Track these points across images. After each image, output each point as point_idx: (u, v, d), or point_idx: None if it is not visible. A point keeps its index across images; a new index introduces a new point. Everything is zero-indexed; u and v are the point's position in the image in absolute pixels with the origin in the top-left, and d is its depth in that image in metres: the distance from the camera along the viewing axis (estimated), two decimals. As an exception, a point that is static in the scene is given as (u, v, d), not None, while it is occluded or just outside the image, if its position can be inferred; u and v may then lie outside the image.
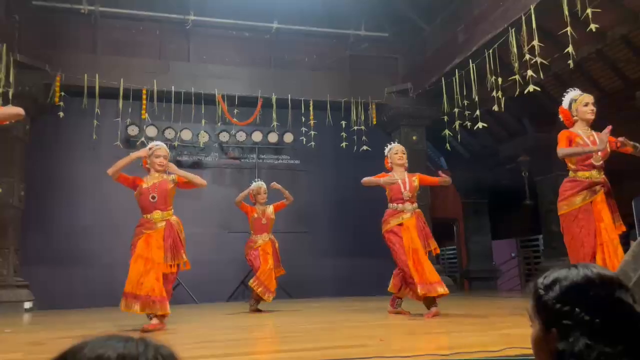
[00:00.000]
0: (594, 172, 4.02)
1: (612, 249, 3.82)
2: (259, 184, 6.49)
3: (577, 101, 4.19)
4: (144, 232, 4.29)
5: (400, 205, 4.99)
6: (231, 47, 9.54)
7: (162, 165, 4.49)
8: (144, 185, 4.39)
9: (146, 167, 4.57)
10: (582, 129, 4.11)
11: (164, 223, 4.34)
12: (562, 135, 4.07)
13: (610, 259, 3.75)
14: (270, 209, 6.39)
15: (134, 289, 4.08)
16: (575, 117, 4.17)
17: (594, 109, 4.14)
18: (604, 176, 4.05)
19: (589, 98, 4.19)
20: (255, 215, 6.30)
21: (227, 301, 8.49)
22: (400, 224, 4.92)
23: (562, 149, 4.00)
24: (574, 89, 4.36)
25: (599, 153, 3.99)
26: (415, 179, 5.12)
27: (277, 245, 6.33)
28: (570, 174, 4.12)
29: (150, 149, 4.48)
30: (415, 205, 5.07)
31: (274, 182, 6.53)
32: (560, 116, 4.32)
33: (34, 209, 7.92)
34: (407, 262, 4.74)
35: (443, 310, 4.73)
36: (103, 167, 4.76)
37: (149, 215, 4.35)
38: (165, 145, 4.65)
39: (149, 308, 4.05)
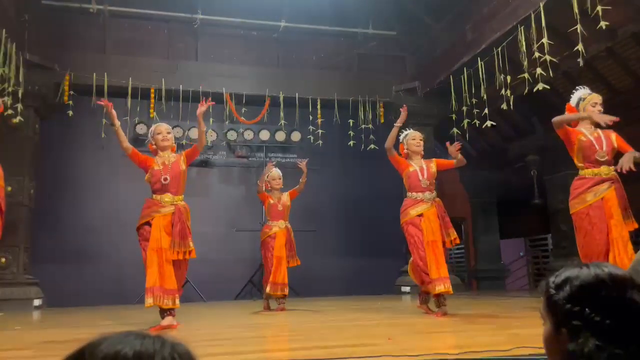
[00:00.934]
0: (603, 169, 4.02)
1: (622, 245, 3.81)
2: (273, 172, 6.36)
3: (585, 100, 4.18)
4: (152, 215, 4.12)
5: (420, 194, 4.81)
6: (239, 46, 9.56)
7: (167, 139, 4.32)
8: (156, 167, 4.21)
9: (152, 149, 4.43)
10: (586, 127, 4.12)
11: (172, 208, 4.17)
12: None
13: (620, 255, 3.75)
14: (285, 196, 6.29)
15: (158, 282, 3.98)
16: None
17: (602, 109, 4.13)
18: (614, 172, 4.03)
19: (597, 98, 4.19)
20: (271, 201, 6.19)
21: (234, 299, 8.51)
22: (420, 215, 4.74)
23: (556, 117, 4.06)
24: (583, 87, 4.34)
25: (604, 149, 4.01)
26: (433, 165, 4.96)
27: (292, 234, 6.21)
28: (580, 172, 4.12)
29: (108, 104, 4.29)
30: (435, 193, 4.90)
31: (304, 162, 6.40)
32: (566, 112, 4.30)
33: (43, 208, 7.97)
34: (425, 257, 4.60)
35: (451, 309, 4.71)
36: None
37: (158, 197, 4.19)
38: (164, 124, 4.51)
39: (170, 301, 4.01)
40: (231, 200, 9.28)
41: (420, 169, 4.90)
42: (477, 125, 7.47)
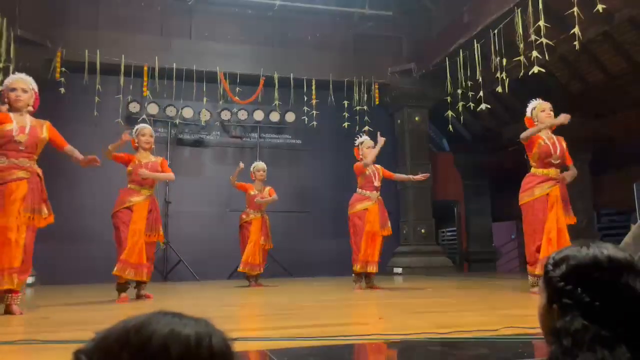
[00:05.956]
0: (552, 170, 4.67)
1: (557, 233, 4.43)
2: (257, 163, 7.03)
3: (536, 108, 4.82)
4: (132, 201, 4.74)
5: (369, 192, 5.71)
6: (233, 24, 9.45)
7: (149, 142, 4.97)
8: (135, 164, 4.85)
9: (135, 147, 5.01)
10: (544, 133, 4.74)
11: (147, 197, 4.83)
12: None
13: (552, 242, 4.35)
14: (266, 191, 6.83)
15: (130, 258, 4.62)
16: (536, 123, 4.78)
17: (551, 114, 4.73)
18: (560, 175, 4.71)
19: (545, 105, 4.81)
20: (252, 192, 6.76)
21: (228, 279, 8.56)
22: (365, 209, 5.64)
23: (522, 134, 4.75)
24: (536, 99, 4.94)
25: (557, 153, 4.67)
26: (381, 171, 5.86)
27: (268, 222, 6.82)
28: (532, 170, 4.80)
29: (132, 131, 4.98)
30: (378, 193, 5.77)
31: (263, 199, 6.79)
32: (525, 124, 4.92)
33: (35, 185, 7.92)
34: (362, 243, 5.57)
35: (442, 290, 4.76)
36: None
37: (137, 188, 4.83)
38: (149, 127, 5.12)
39: (139, 275, 4.65)
40: (224, 180, 9.21)
41: (373, 172, 5.77)
42: (472, 108, 7.46)
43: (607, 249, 0.91)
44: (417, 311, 3.63)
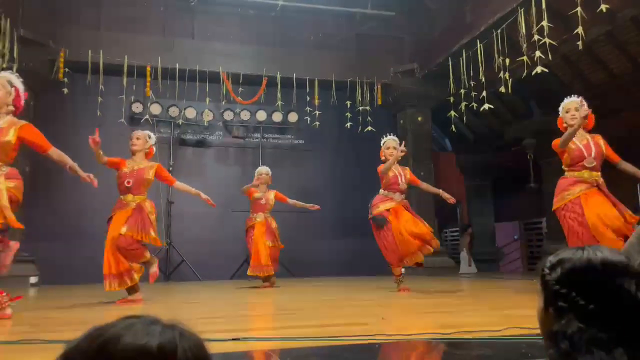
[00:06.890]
0: (584, 172, 4.28)
1: (609, 236, 3.97)
2: (260, 167, 7.03)
3: (563, 107, 4.45)
4: (116, 212, 4.60)
5: (393, 194, 5.47)
6: (236, 25, 9.45)
7: (134, 145, 4.76)
8: (124, 170, 4.69)
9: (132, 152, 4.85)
10: (577, 134, 4.31)
11: (134, 204, 4.61)
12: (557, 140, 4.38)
13: (605, 236, 3.96)
14: (272, 194, 6.80)
15: (113, 269, 4.40)
16: (565, 125, 4.43)
17: (576, 114, 4.31)
18: (596, 178, 4.28)
19: (571, 104, 4.41)
20: (257, 195, 6.70)
21: (230, 279, 8.56)
22: (388, 210, 5.39)
23: (557, 141, 4.31)
24: (570, 97, 4.53)
25: (592, 155, 4.26)
26: (408, 172, 5.67)
27: (273, 224, 6.73)
28: (565, 173, 4.42)
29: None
30: (404, 196, 5.54)
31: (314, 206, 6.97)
32: (558, 125, 4.59)
33: (38, 185, 7.94)
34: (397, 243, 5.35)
35: (445, 290, 4.75)
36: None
37: (122, 197, 4.68)
38: (140, 131, 4.96)
39: (124, 284, 4.40)
40: (227, 180, 9.26)
41: (398, 173, 5.53)
42: (475, 108, 7.45)
43: (601, 252, 0.91)
44: (420, 311, 3.62)
